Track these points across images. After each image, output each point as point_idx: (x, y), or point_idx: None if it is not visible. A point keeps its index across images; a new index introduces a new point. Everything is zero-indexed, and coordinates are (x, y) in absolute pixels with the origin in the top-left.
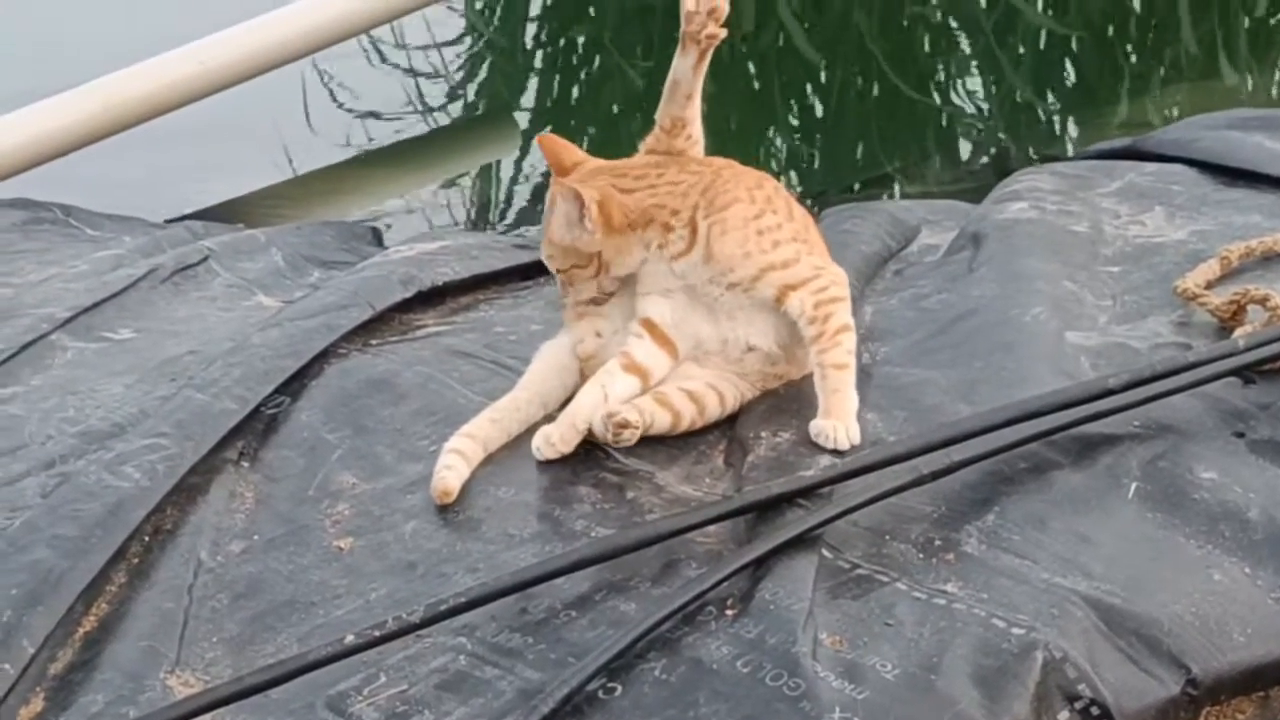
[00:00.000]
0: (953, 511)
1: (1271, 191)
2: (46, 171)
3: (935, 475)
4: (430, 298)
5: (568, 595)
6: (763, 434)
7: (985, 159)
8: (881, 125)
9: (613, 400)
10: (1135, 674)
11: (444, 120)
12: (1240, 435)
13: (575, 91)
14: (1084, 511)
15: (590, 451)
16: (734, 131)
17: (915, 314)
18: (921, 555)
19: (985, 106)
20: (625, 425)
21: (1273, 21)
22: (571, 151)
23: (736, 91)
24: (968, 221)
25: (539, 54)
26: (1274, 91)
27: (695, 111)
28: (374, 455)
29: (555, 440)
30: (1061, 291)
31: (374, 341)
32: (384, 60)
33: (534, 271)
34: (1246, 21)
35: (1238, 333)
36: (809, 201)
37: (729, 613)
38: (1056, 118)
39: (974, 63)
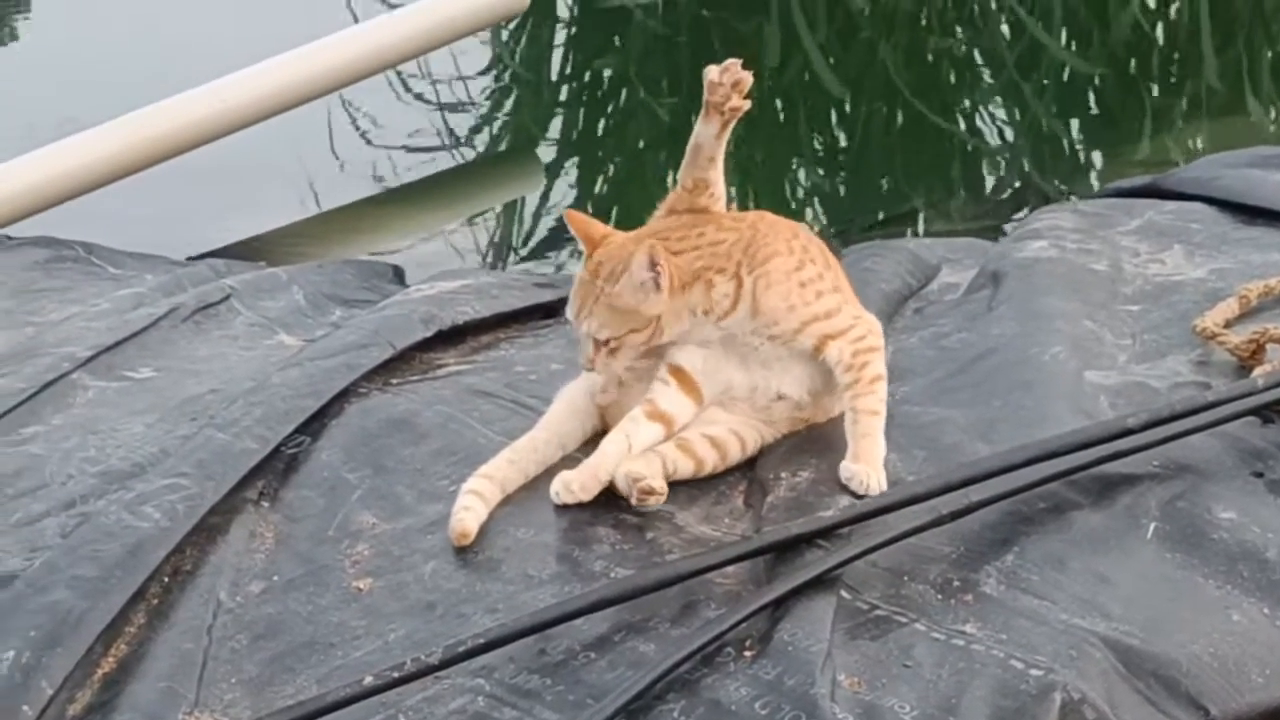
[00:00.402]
0: (971, 552)
1: None
2: (69, 209)
3: (954, 515)
4: (451, 336)
5: (587, 636)
6: (782, 475)
7: (1009, 191)
8: (906, 158)
9: (636, 447)
10: (1154, 715)
11: (469, 153)
12: (1259, 475)
13: (601, 125)
14: (1103, 552)
15: (608, 493)
16: (759, 165)
17: (935, 353)
18: (940, 596)
19: (1010, 139)
20: (651, 492)
21: None
22: (598, 225)
23: (762, 124)
24: (987, 260)
25: (565, 87)
26: None
27: (718, 172)
28: (394, 495)
29: (575, 488)
30: (1081, 330)
31: (395, 381)
32: (409, 91)
33: (555, 310)
34: (1270, 54)
35: (1256, 372)
36: (833, 236)
37: (748, 654)
38: (1080, 150)
39: (998, 96)
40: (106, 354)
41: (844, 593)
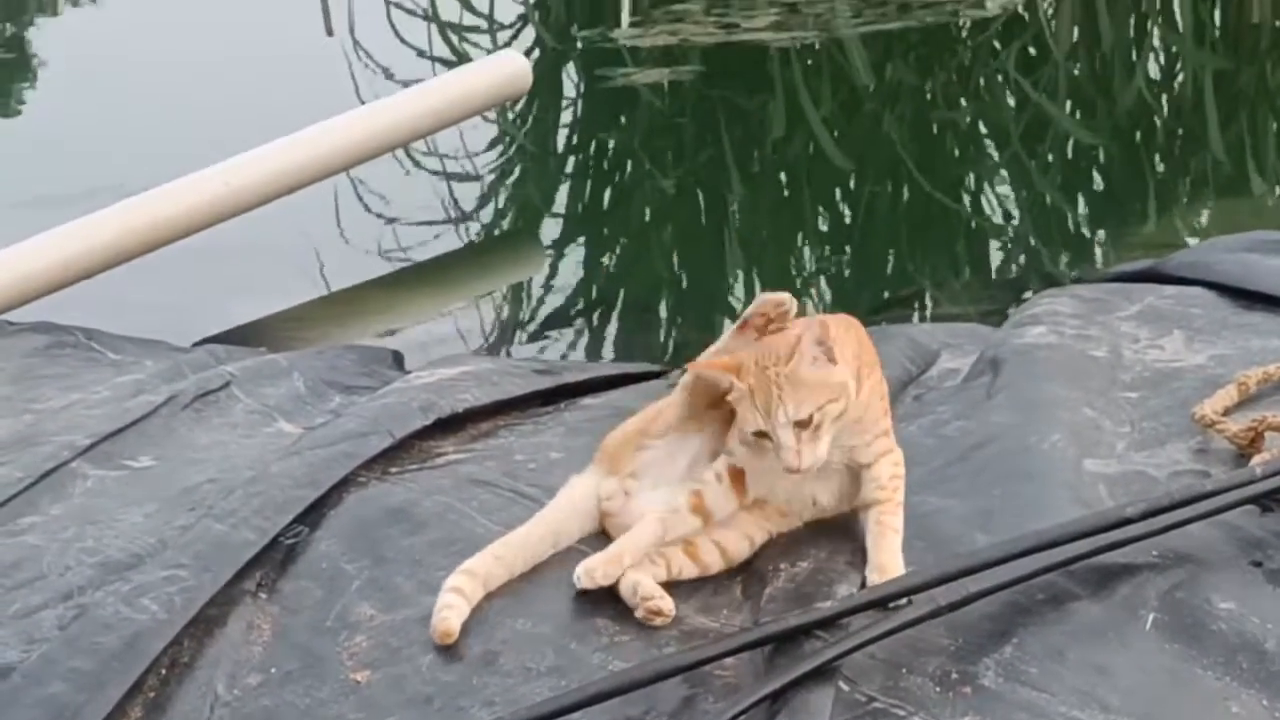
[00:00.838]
0: (970, 644)
1: None
2: (70, 293)
3: (953, 607)
4: (450, 424)
5: None
6: (781, 565)
7: (1014, 271)
8: (911, 235)
9: (669, 535)
10: None
11: (475, 228)
12: (1258, 564)
13: (606, 200)
14: (1101, 643)
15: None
16: (764, 241)
17: (934, 441)
18: (938, 689)
19: (1015, 216)
20: (658, 613)
21: None
22: (721, 361)
23: (766, 199)
24: (987, 346)
25: (570, 163)
26: None
27: None
28: (392, 586)
29: (599, 576)
30: (1080, 418)
31: (394, 469)
32: (418, 166)
33: (554, 397)
34: (1274, 130)
35: (1255, 460)
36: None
37: None
38: (1085, 228)
39: (1003, 170)
40: (106, 442)
41: (842, 684)
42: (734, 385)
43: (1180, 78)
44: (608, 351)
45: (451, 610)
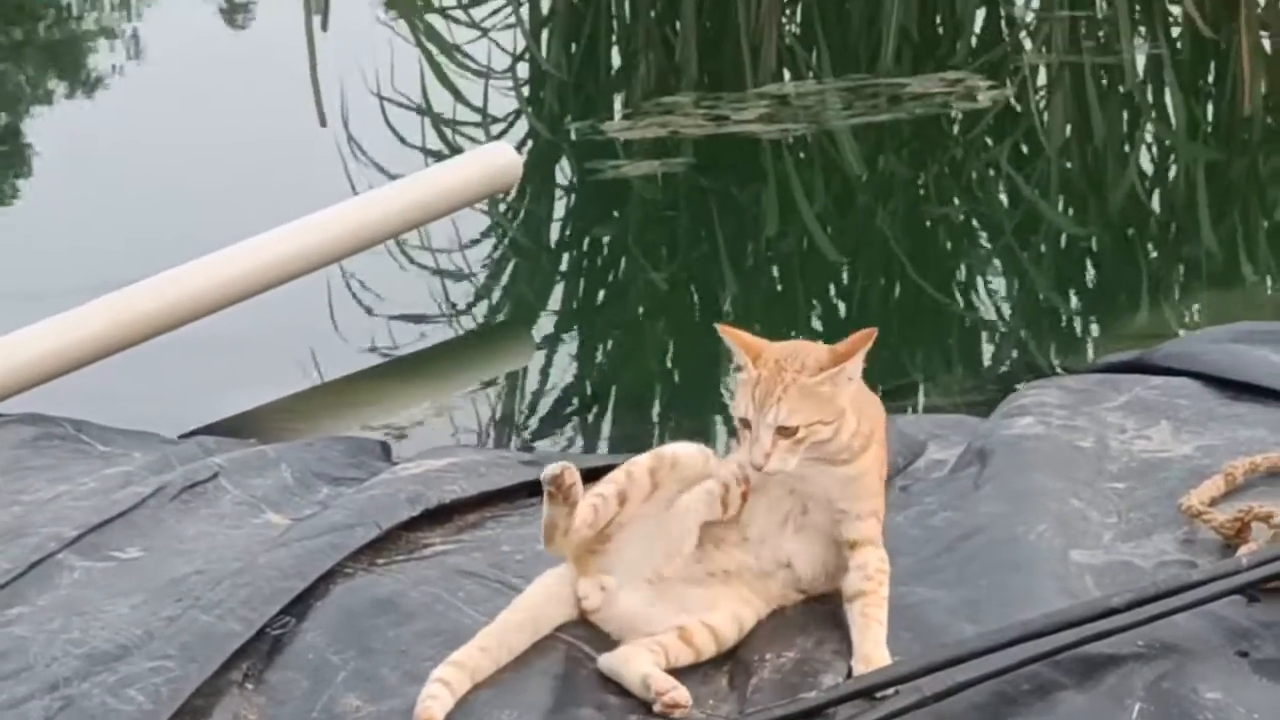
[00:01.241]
0: None
1: (1277, 406)
2: (59, 385)
3: (938, 697)
4: (437, 515)
5: None
6: (767, 655)
7: (1006, 362)
8: (903, 328)
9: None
10: None
11: (467, 325)
12: (1244, 655)
13: (599, 294)
14: None
15: (592, 674)
16: (758, 333)
17: (921, 532)
18: None
19: (1006, 310)
20: (676, 705)
21: None
22: (752, 336)
23: (759, 293)
24: (974, 437)
25: (563, 254)
26: None
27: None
28: (379, 677)
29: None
30: (1067, 509)
31: (380, 561)
32: (411, 261)
33: (541, 489)
34: (1265, 225)
35: (1241, 550)
36: None
37: None
38: (1076, 321)
39: (995, 262)
40: (93, 534)
41: None
42: (747, 366)
43: (1173, 171)
44: (600, 445)
45: (435, 700)
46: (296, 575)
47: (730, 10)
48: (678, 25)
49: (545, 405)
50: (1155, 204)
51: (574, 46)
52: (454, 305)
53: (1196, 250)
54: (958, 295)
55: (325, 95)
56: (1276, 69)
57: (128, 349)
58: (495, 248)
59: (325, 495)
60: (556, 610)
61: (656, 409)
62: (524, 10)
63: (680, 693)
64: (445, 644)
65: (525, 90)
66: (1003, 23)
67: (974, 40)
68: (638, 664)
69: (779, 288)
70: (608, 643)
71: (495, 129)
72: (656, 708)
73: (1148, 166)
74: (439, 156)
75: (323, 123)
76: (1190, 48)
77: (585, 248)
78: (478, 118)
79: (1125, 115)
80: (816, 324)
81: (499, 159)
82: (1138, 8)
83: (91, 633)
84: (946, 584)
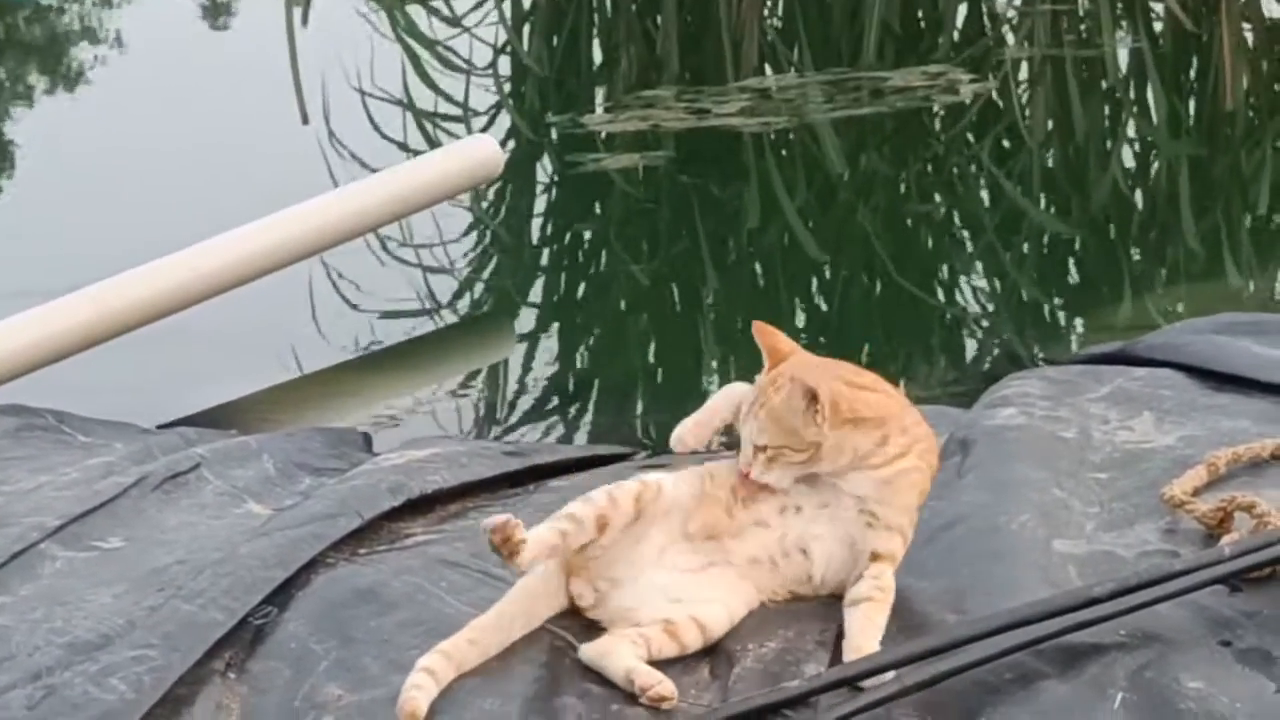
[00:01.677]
0: None
1: (1259, 397)
2: (40, 376)
3: (921, 686)
4: (419, 505)
5: None
6: (749, 645)
7: (988, 356)
8: (886, 324)
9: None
10: None
11: (450, 318)
12: (1226, 644)
13: (581, 289)
14: None
15: (575, 662)
16: (739, 331)
17: None
18: None
19: (988, 305)
20: (662, 699)
21: (1277, 217)
22: (785, 340)
23: (741, 289)
24: (957, 427)
25: (544, 252)
26: (1278, 288)
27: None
28: (360, 666)
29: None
30: (1049, 499)
31: (362, 551)
32: (390, 255)
33: (524, 479)
34: (1248, 220)
35: (1224, 540)
36: None
37: None
38: (1061, 316)
39: (977, 260)
40: (75, 524)
41: None
42: (765, 372)
43: (1154, 164)
44: (579, 437)
45: (420, 691)
46: (278, 565)
47: (711, 4)
48: (659, 19)
49: (527, 397)
50: (1137, 197)
51: (555, 40)
52: (435, 298)
53: (1178, 243)
54: (939, 288)
55: (306, 91)
56: (1258, 63)
57: (109, 341)
58: (477, 242)
59: (307, 485)
60: (549, 603)
61: (637, 401)
62: (505, 5)
63: (665, 686)
64: (427, 634)
65: (506, 85)
66: (985, 17)
67: (956, 34)
68: (620, 658)
69: (760, 281)
70: (591, 632)
71: (477, 124)
72: (643, 700)
73: (1129, 160)
74: (421, 152)
75: (304, 120)
76: (1172, 42)
77: (566, 241)
78: (459, 113)
79: (1107, 109)
80: (799, 317)
81: (480, 151)
82: (1119, 2)
83: (74, 622)
84: (929, 573)
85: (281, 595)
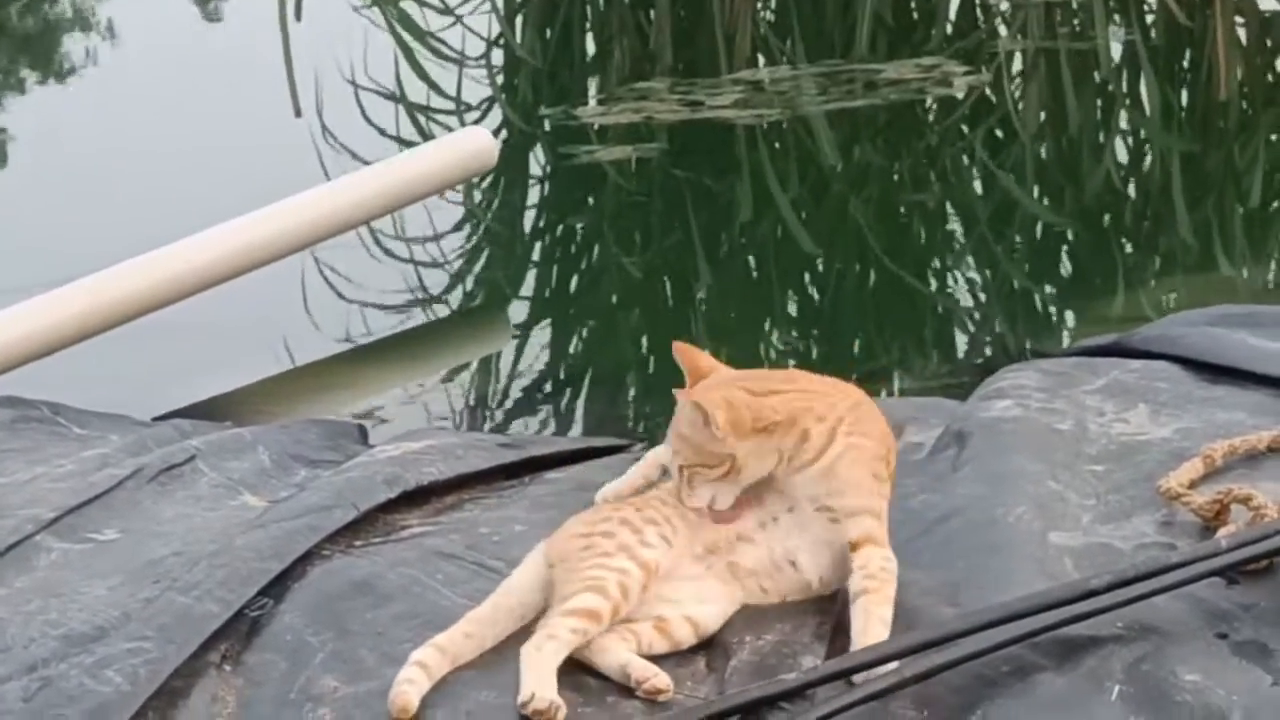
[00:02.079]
0: (935, 716)
1: (1255, 389)
2: (35, 369)
3: (917, 678)
4: (414, 497)
5: None
6: (745, 638)
7: (982, 349)
8: (879, 315)
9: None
10: None
11: (442, 311)
12: (1223, 636)
13: (573, 282)
14: (1066, 715)
15: (571, 655)
16: (732, 322)
17: (899, 514)
18: None
19: (982, 296)
20: (658, 691)
21: (1270, 209)
22: (705, 358)
23: (734, 281)
24: (952, 419)
25: (537, 244)
26: (1271, 279)
27: None
28: (356, 658)
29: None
30: (1045, 491)
31: (358, 543)
32: (382, 249)
33: (518, 471)
34: (1240, 212)
35: (1221, 533)
36: None
37: None
38: (1053, 307)
39: (970, 252)
40: (70, 515)
41: None
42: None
43: (1148, 157)
44: (574, 429)
45: (411, 685)
46: (274, 557)
47: None
48: (652, 11)
49: (521, 389)
50: (1131, 190)
51: (548, 32)
52: (429, 291)
53: (1171, 235)
54: (933, 280)
55: (299, 84)
56: (1251, 55)
57: (103, 333)
58: (470, 234)
59: (302, 477)
60: (545, 596)
61: (631, 392)
62: None
63: (661, 679)
64: (423, 625)
65: (499, 77)
66: (978, 9)
67: (949, 26)
68: (614, 653)
69: (753, 272)
70: None
71: (470, 116)
72: (639, 693)
73: (1123, 153)
74: (414, 145)
75: (297, 112)
76: (1165, 34)
77: (559, 233)
78: (453, 105)
79: (1100, 101)
80: (792, 309)
81: (475, 142)
82: None
83: (69, 614)
84: (925, 566)
85: (277, 587)
